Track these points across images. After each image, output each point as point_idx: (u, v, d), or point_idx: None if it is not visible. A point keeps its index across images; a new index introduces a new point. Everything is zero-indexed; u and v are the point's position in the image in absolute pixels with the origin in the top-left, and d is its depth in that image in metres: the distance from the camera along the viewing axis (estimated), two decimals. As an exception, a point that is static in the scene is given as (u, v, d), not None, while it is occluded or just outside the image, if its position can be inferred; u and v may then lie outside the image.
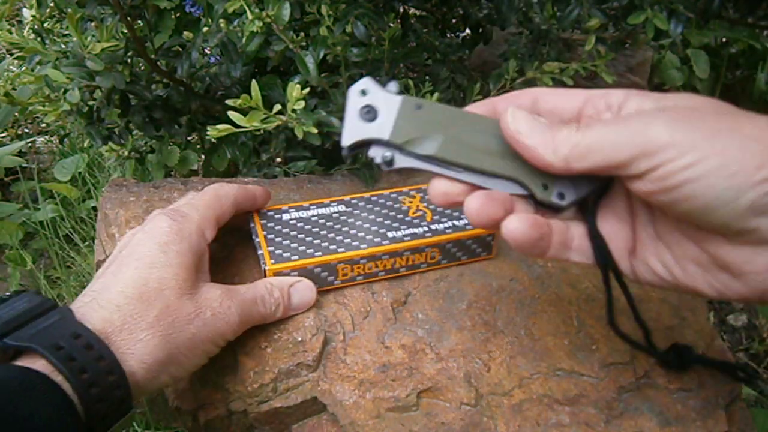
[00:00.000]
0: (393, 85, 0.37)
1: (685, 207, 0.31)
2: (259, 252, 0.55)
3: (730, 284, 0.32)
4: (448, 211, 0.61)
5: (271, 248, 0.56)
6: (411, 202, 0.63)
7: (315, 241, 0.57)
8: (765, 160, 0.28)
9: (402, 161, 0.37)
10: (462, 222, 0.60)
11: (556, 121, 0.36)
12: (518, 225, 0.35)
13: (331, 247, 0.56)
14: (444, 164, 0.37)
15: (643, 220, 0.37)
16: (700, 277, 0.34)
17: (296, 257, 0.55)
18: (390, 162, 0.37)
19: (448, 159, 0.36)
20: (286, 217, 0.60)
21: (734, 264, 0.32)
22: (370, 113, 0.37)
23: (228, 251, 0.61)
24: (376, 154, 0.37)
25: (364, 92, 0.37)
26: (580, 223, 0.39)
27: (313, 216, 0.60)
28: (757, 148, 0.29)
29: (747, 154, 0.29)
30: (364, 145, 0.37)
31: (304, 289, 0.52)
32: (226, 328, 0.44)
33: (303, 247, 0.56)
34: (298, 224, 0.59)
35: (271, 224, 0.59)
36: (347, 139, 0.37)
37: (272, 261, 0.54)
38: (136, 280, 0.40)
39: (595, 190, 0.37)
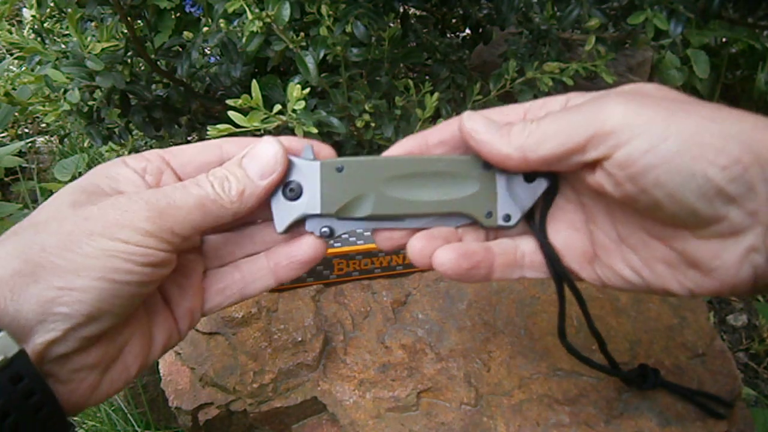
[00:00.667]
0: (307, 150, 0.36)
1: (652, 196, 0.30)
2: None
3: (701, 281, 0.31)
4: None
5: None
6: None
7: None
8: (725, 142, 0.27)
9: (342, 227, 0.36)
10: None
11: None
12: (446, 256, 0.35)
13: (328, 241, 0.57)
14: (384, 219, 0.36)
15: (604, 225, 0.36)
16: (669, 277, 0.33)
17: None
18: (330, 233, 0.36)
19: (386, 214, 0.35)
20: None
21: (703, 260, 0.31)
22: (293, 190, 0.35)
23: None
24: (314, 228, 0.36)
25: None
26: (530, 237, 0.38)
27: None
28: (716, 129, 0.28)
29: (706, 135, 0.28)
30: (299, 222, 0.36)
31: (259, 149, 0.35)
32: (120, 215, 0.31)
33: None
34: None
35: None
36: (280, 225, 0.36)
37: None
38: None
39: (540, 198, 0.36)
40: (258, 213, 0.38)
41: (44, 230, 0.30)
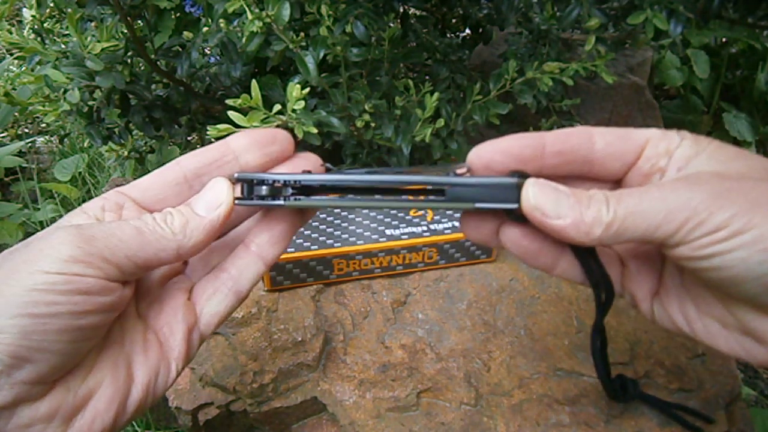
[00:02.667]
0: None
1: (714, 276, 0.30)
2: None
3: (753, 349, 0.31)
4: (449, 212, 0.61)
5: None
6: (411, 202, 0.63)
7: (313, 235, 0.57)
8: None
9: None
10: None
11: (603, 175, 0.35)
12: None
13: (328, 241, 0.57)
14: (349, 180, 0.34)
15: (672, 268, 0.36)
16: (721, 337, 0.33)
17: (292, 249, 0.55)
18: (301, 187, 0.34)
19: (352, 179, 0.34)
20: None
21: (760, 331, 0.31)
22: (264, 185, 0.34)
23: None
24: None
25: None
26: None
27: None
28: None
29: None
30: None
31: (207, 187, 0.35)
32: (45, 245, 0.29)
33: (300, 240, 0.56)
34: None
35: None
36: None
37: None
38: None
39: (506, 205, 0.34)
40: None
41: None
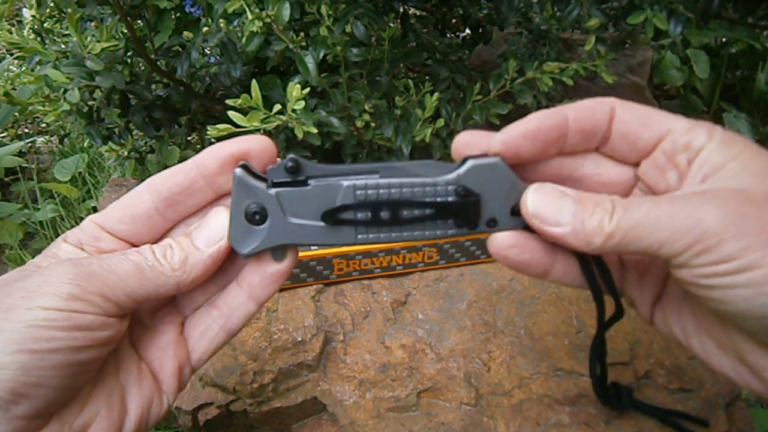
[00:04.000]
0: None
1: (713, 306, 0.28)
2: None
3: (748, 378, 0.30)
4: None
5: None
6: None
7: None
8: None
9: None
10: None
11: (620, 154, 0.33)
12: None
13: None
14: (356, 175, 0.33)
15: (675, 282, 0.33)
16: (716, 357, 0.32)
17: None
18: (282, 256, 0.34)
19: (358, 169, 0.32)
20: None
21: (757, 365, 0.29)
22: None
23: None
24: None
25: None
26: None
27: None
28: None
29: None
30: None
31: (207, 219, 0.34)
32: (43, 281, 0.29)
33: None
34: None
35: None
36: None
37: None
38: None
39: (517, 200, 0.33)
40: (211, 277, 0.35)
41: None
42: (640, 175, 0.33)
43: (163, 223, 0.34)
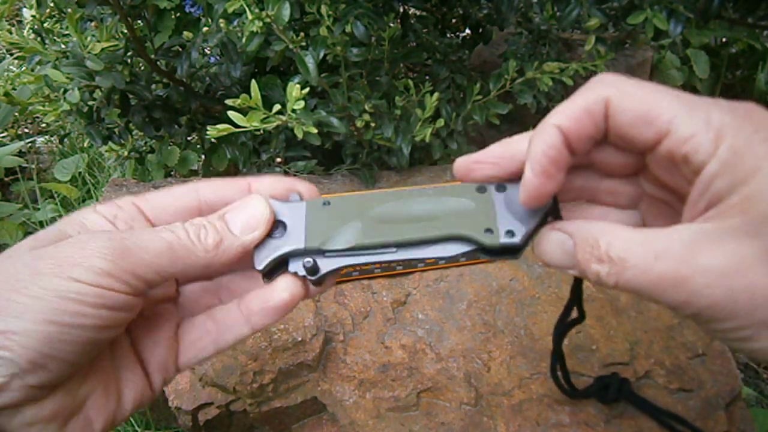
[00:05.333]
0: (294, 195, 0.34)
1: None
2: None
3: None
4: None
5: None
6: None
7: None
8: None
9: (327, 265, 0.33)
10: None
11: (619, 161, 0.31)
12: None
13: None
14: (373, 251, 0.32)
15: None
16: None
17: None
18: (314, 269, 0.33)
19: (374, 243, 0.32)
20: None
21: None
22: (278, 229, 0.33)
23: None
24: (297, 267, 0.33)
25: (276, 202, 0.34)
26: None
27: None
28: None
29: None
30: (282, 263, 0.33)
31: (245, 205, 0.34)
32: (76, 252, 0.28)
33: None
34: None
35: None
36: (260, 262, 0.33)
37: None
38: None
39: (548, 213, 0.32)
40: (236, 266, 0.35)
41: None
42: (648, 165, 0.30)
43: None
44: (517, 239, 0.31)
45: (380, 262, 0.33)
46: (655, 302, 0.26)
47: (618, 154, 0.31)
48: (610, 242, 0.27)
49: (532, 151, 0.29)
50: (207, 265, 0.32)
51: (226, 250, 0.32)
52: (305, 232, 0.33)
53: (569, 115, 0.29)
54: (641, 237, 0.26)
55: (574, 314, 0.43)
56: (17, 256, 0.29)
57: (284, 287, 0.33)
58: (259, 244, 0.33)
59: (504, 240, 0.31)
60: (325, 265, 0.33)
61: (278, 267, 0.33)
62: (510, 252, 0.32)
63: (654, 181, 0.31)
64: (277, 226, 0.33)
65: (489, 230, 0.31)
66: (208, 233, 0.32)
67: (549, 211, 0.32)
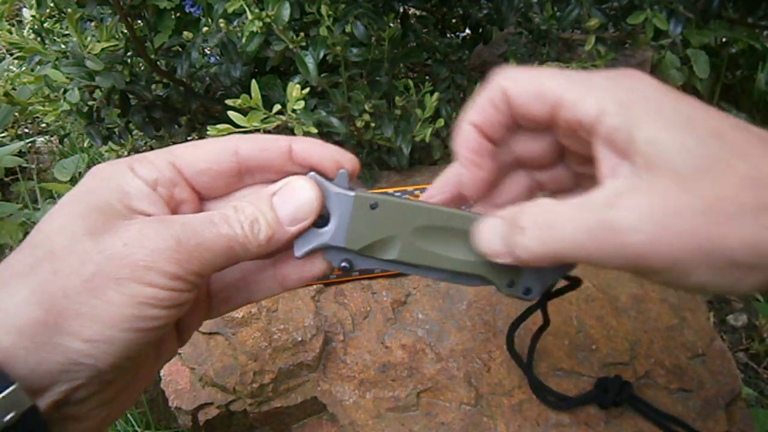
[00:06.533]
0: (343, 178, 0.33)
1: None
2: None
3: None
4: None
5: None
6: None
7: None
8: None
9: (362, 264, 0.34)
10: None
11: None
12: None
13: None
14: (406, 265, 0.34)
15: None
16: None
17: None
18: (349, 268, 0.34)
19: (410, 262, 0.34)
20: None
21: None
22: (322, 217, 0.33)
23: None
24: (334, 259, 0.34)
25: (323, 187, 0.33)
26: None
27: None
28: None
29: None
30: (319, 250, 0.34)
31: (294, 192, 0.33)
32: (148, 256, 0.28)
33: None
34: None
35: None
36: (300, 250, 0.33)
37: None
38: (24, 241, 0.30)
39: (561, 275, 0.35)
40: None
41: (64, 268, 0.27)
42: (564, 143, 0.32)
43: (238, 185, 0.34)
44: (531, 296, 0.34)
45: (407, 273, 0.35)
46: (584, 261, 0.27)
47: (537, 143, 0.33)
48: (534, 211, 0.29)
49: (456, 150, 0.33)
50: (256, 256, 0.32)
51: (276, 242, 0.32)
52: (348, 231, 0.33)
53: (476, 110, 0.32)
54: (564, 203, 0.28)
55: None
56: (82, 249, 0.28)
57: (322, 266, 0.34)
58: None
59: (521, 295, 0.34)
60: (360, 263, 0.34)
61: (314, 252, 0.34)
62: (518, 295, 0.34)
63: (576, 159, 0.33)
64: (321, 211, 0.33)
65: (511, 282, 0.33)
66: (261, 228, 0.32)
67: (567, 269, 0.34)
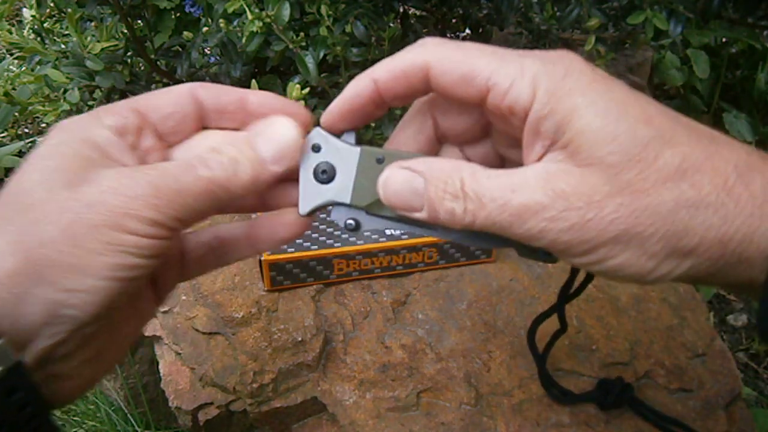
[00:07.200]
0: (350, 135, 0.33)
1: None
2: None
3: None
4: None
5: None
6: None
7: (313, 235, 0.57)
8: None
9: (368, 224, 0.33)
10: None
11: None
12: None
13: (328, 241, 0.57)
14: (416, 224, 0.32)
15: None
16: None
17: (292, 249, 0.56)
18: (355, 227, 0.33)
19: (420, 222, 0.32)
20: None
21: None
22: (326, 173, 0.32)
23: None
24: (339, 217, 0.33)
25: (317, 148, 0.32)
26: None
27: None
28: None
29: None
30: (324, 207, 0.33)
31: (276, 130, 0.31)
32: (126, 203, 0.27)
33: (300, 240, 0.57)
34: None
35: None
36: (304, 207, 0.32)
37: (268, 252, 0.55)
38: None
39: None
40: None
41: (41, 218, 0.27)
42: (489, 119, 0.31)
43: (198, 128, 0.33)
44: (552, 258, 0.32)
45: (415, 234, 0.33)
46: (510, 236, 0.28)
47: (462, 118, 0.32)
48: (465, 178, 0.28)
49: (345, 92, 0.31)
50: (238, 198, 0.31)
51: (260, 184, 0.31)
52: (353, 187, 0.32)
53: (388, 71, 0.30)
54: (496, 174, 0.28)
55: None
56: (60, 199, 0.27)
57: (292, 223, 0.33)
58: (305, 185, 0.32)
59: (540, 256, 0.32)
60: (367, 223, 0.33)
61: (318, 210, 0.33)
62: (537, 257, 0.33)
63: (502, 140, 0.32)
64: (324, 166, 0.32)
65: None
66: (242, 168, 0.30)
67: None
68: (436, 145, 0.34)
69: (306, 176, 0.32)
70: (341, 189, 0.32)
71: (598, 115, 0.26)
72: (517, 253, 0.33)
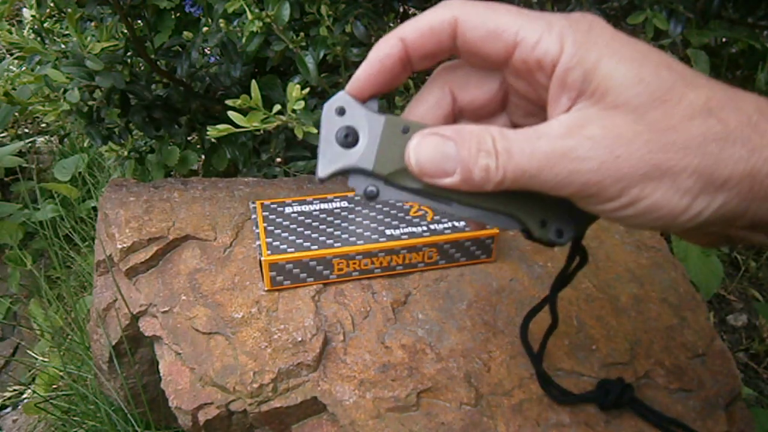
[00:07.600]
0: (374, 103, 0.32)
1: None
2: (257, 243, 0.57)
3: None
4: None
5: (270, 239, 0.57)
6: (411, 202, 0.63)
7: (313, 235, 0.58)
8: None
9: (387, 194, 0.32)
10: (462, 223, 0.60)
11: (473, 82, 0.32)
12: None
13: (328, 241, 0.57)
14: (434, 198, 0.32)
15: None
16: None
17: (292, 249, 0.56)
18: (375, 195, 0.32)
19: (436, 194, 0.32)
20: (288, 210, 0.61)
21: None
22: (349, 137, 0.31)
23: (228, 251, 0.61)
24: (357, 185, 0.32)
25: (341, 111, 0.32)
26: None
27: (315, 210, 0.61)
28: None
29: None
30: (343, 173, 0.32)
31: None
32: None
33: (300, 240, 0.57)
34: (299, 218, 0.60)
35: (273, 216, 0.60)
36: (324, 170, 0.31)
37: (268, 252, 0.55)
38: None
39: (591, 220, 0.33)
40: None
41: None
42: (509, 82, 0.31)
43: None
44: (562, 240, 0.32)
45: (434, 208, 0.33)
46: (540, 188, 0.28)
47: (481, 89, 0.32)
48: (495, 136, 0.28)
49: (371, 55, 0.31)
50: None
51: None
52: (377, 154, 0.31)
53: (415, 29, 0.30)
54: (522, 130, 0.28)
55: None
56: None
57: None
58: (325, 148, 0.31)
59: (551, 237, 0.32)
60: (385, 194, 0.32)
61: (337, 175, 0.32)
62: (549, 245, 0.33)
63: (520, 108, 0.33)
64: (349, 131, 0.31)
65: (543, 222, 0.32)
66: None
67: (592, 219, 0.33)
68: (452, 122, 0.34)
69: (328, 138, 0.32)
70: (364, 155, 0.31)
71: (622, 62, 0.27)
72: (525, 237, 0.33)
